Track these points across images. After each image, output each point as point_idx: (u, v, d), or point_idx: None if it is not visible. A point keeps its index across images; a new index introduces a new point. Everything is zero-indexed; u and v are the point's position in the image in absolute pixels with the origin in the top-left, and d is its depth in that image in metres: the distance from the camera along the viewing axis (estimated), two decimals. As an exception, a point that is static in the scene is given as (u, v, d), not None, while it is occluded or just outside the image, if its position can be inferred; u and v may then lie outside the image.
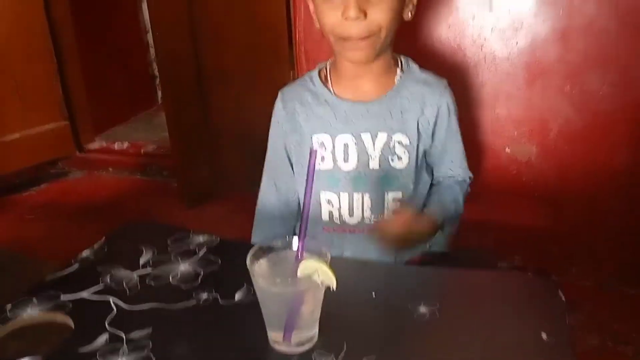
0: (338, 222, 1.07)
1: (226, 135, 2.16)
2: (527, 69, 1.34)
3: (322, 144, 1.04)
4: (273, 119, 1.10)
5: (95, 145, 2.94)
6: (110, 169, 2.79)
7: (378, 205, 1.05)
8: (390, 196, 1.05)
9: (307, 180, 0.70)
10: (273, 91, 1.13)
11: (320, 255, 0.68)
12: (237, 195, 2.20)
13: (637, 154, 1.35)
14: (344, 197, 1.05)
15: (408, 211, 0.98)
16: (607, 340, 1.37)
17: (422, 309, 0.75)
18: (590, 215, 1.47)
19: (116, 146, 2.89)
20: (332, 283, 0.64)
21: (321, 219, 1.08)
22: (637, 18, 1.23)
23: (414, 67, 1.07)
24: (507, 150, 1.45)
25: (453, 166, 1.11)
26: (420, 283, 0.85)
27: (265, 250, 0.70)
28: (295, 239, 0.70)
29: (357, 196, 1.04)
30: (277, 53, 1.99)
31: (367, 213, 1.06)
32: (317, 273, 0.63)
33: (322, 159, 1.04)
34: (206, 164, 2.17)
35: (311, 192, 0.70)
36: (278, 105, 1.09)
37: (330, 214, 1.07)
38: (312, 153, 0.71)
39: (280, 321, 0.66)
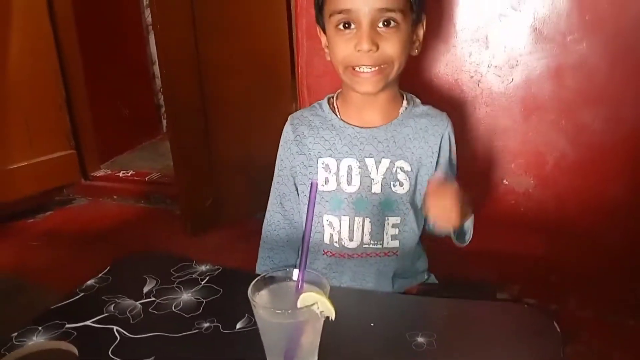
0: (337, 245, 1.09)
1: (229, 164, 2.19)
2: (522, 104, 1.37)
3: (327, 167, 1.07)
4: (282, 142, 1.14)
5: (100, 173, 2.97)
6: (115, 197, 2.81)
7: (378, 230, 1.08)
8: (390, 221, 1.08)
9: (307, 212, 0.72)
10: (276, 123, 1.17)
11: (320, 286, 0.69)
12: (239, 223, 2.21)
13: (631, 185, 1.36)
14: (345, 220, 1.07)
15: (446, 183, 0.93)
16: (604, 369, 1.36)
17: (420, 339, 0.76)
18: (588, 246, 1.48)
19: (121, 174, 2.92)
20: (332, 314, 0.65)
21: (323, 242, 1.10)
22: (626, 58, 1.27)
23: (418, 101, 1.13)
24: (505, 181, 1.47)
25: None
26: (418, 313, 0.86)
27: (267, 281, 0.71)
28: (296, 271, 0.71)
29: (358, 220, 1.07)
30: (280, 86, 2.04)
31: (367, 238, 1.08)
32: (317, 304, 0.65)
33: (326, 180, 1.07)
34: (209, 192, 2.19)
35: (312, 224, 0.72)
36: (287, 128, 1.12)
37: (331, 237, 1.09)
38: (313, 186, 0.73)
39: (280, 351, 0.68)
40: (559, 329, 0.78)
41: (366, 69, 0.99)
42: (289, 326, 0.66)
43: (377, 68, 0.99)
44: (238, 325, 0.81)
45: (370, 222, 1.07)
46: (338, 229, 1.08)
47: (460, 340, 0.78)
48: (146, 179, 2.83)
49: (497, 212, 1.51)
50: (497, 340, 0.78)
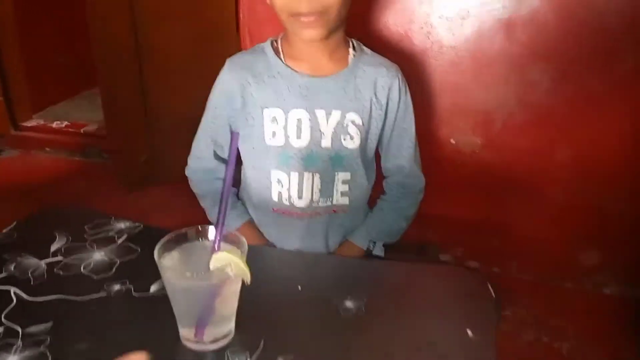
0: (287, 203, 1.04)
1: (167, 118, 2.07)
2: (473, 59, 1.33)
3: (275, 119, 1.00)
4: (218, 87, 1.04)
5: (32, 123, 2.79)
6: (48, 149, 2.66)
7: (328, 187, 1.03)
8: (340, 177, 1.04)
9: (227, 164, 0.65)
10: (216, 74, 1.07)
11: (237, 245, 0.63)
12: (178, 181, 2.12)
13: (576, 148, 1.36)
14: (294, 176, 1.02)
15: None
16: (542, 335, 1.38)
17: (348, 304, 0.72)
18: (532, 209, 1.48)
19: (54, 125, 2.75)
20: (247, 277, 0.59)
21: (271, 199, 1.05)
22: (577, 14, 1.24)
23: (367, 50, 1.07)
24: (452, 141, 1.44)
25: (401, 157, 1.10)
26: (349, 276, 0.82)
27: (178, 240, 0.65)
28: (211, 228, 0.65)
29: (307, 176, 1.02)
30: (223, 34, 1.91)
31: (317, 196, 1.04)
32: (231, 266, 0.59)
33: (274, 134, 1.00)
34: (145, 147, 2.07)
35: (232, 177, 0.65)
36: (225, 74, 1.03)
37: (280, 194, 1.04)
38: (234, 136, 0.66)
39: (192, 317, 0.62)
40: (493, 292, 0.75)
41: (307, 16, 0.92)
42: (200, 290, 0.60)
43: (317, 14, 0.92)
44: (152, 288, 0.75)
45: (320, 178, 1.02)
46: (287, 186, 1.03)
47: (391, 304, 0.73)
48: (82, 130, 2.68)
49: (443, 173, 1.48)
50: (430, 304, 0.74)
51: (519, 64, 1.30)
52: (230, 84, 1.02)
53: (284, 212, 1.05)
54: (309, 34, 0.95)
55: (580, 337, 1.37)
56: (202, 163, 1.10)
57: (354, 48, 1.05)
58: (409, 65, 1.36)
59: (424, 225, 1.55)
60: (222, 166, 1.09)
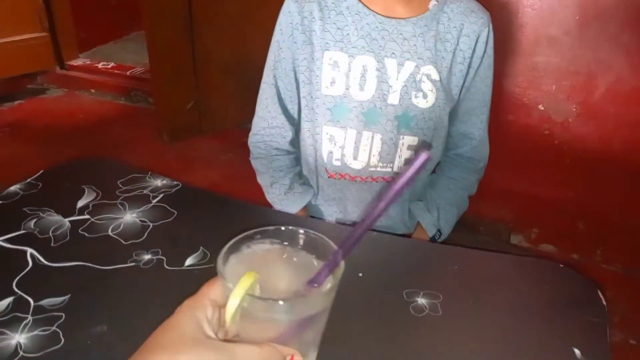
0: (339, 164, 0.93)
1: (217, 63, 1.97)
2: (580, 8, 1.16)
3: (336, 64, 0.87)
4: (281, 25, 0.91)
5: (78, 62, 2.77)
6: (93, 90, 2.63)
7: (389, 150, 0.91)
8: (405, 141, 0.91)
9: (401, 178, 0.42)
10: (273, 17, 0.94)
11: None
12: (224, 133, 2.05)
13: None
14: (351, 134, 0.90)
15: None
16: (630, 338, 1.24)
17: (421, 301, 0.62)
18: (629, 192, 1.33)
19: (100, 65, 2.71)
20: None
21: (320, 158, 0.94)
22: None
23: None
24: (541, 107, 1.28)
25: (470, 124, 0.97)
26: (421, 264, 0.70)
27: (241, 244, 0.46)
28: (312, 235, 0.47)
29: (367, 135, 0.90)
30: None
31: (375, 159, 0.92)
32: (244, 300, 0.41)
33: (332, 81, 0.88)
34: (191, 94, 1.99)
35: (401, 190, 0.43)
36: (290, 7, 0.89)
37: (331, 155, 0.92)
38: (421, 153, 0.41)
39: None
40: (604, 301, 0.63)
41: None
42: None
43: None
44: (188, 262, 0.66)
45: (381, 139, 0.90)
46: (341, 143, 0.91)
47: (474, 306, 0.62)
48: (128, 73, 2.62)
49: (524, 143, 1.34)
50: (525, 311, 0.62)
51: (637, 20, 1.12)
52: (293, 20, 0.89)
53: (332, 175, 0.95)
54: None
55: (676, 345, 1.23)
56: (265, 122, 0.97)
57: None
58: (499, 13, 1.20)
59: (498, 199, 1.42)
60: (289, 128, 0.96)
